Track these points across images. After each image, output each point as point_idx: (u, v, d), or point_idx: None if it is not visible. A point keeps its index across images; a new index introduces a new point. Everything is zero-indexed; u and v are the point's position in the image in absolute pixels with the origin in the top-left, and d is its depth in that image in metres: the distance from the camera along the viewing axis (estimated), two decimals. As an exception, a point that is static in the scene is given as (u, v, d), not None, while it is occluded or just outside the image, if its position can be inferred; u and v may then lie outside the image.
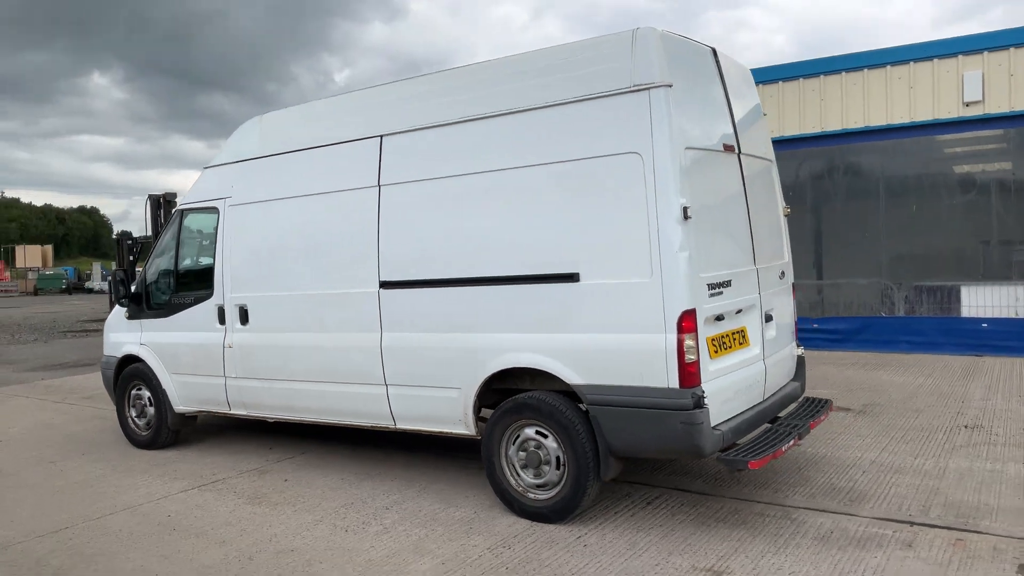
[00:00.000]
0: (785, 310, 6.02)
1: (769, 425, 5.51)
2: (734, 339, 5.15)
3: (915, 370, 10.05)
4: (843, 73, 11.88)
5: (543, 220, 5.10)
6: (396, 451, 7.04)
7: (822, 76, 12.10)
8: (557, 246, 5.04)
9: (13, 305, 37.69)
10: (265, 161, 6.77)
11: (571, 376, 4.99)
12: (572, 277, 4.96)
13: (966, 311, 11.18)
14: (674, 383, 4.61)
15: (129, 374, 7.86)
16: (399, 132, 5.82)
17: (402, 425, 5.97)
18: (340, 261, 6.17)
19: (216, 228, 7.06)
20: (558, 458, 5.10)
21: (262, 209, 6.73)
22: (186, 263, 7.51)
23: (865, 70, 11.73)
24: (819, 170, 12.58)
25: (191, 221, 7.47)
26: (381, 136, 5.93)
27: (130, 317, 7.84)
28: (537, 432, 5.18)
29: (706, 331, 4.80)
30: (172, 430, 7.66)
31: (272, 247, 6.69)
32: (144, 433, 7.80)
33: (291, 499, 5.98)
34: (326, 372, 6.28)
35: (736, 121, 5.47)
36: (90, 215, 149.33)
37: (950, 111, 11.08)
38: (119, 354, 7.96)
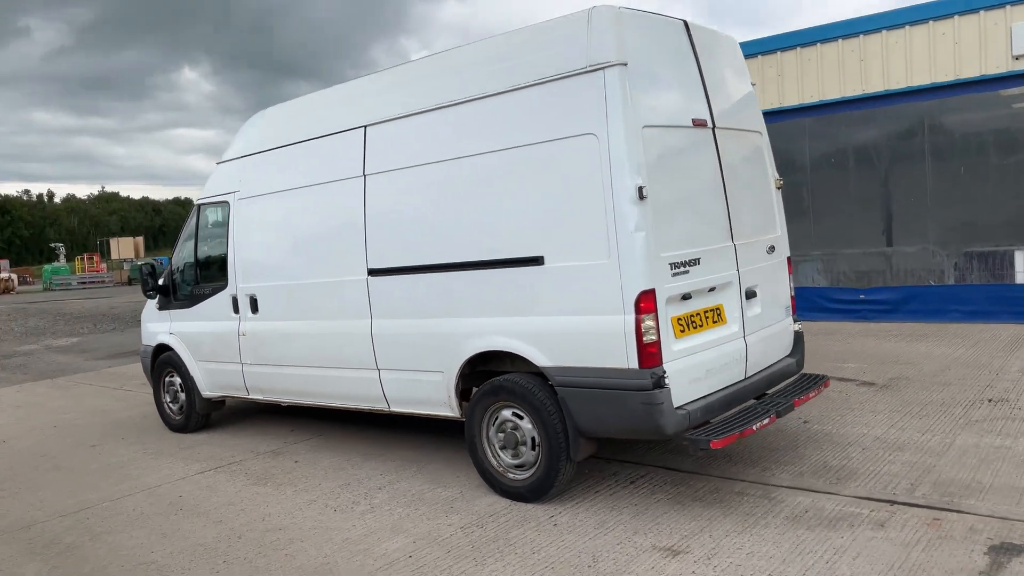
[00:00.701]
0: (776, 285, 5.87)
1: (755, 402, 5.43)
2: (706, 317, 5.08)
3: (958, 340, 9.61)
4: (883, 32, 11.32)
5: (509, 204, 5.14)
6: (404, 432, 7.23)
7: (862, 36, 11.55)
8: (523, 230, 5.07)
9: (104, 295, 39.80)
10: (266, 155, 7.00)
11: (540, 358, 5.03)
12: (537, 260, 4.99)
13: (1020, 277, 10.58)
14: (634, 364, 4.60)
15: (163, 362, 8.30)
16: (378, 122, 5.94)
17: (395, 408, 6.14)
18: (334, 250, 6.35)
19: (228, 222, 7.35)
20: (533, 439, 5.17)
21: (265, 202, 6.98)
22: (204, 256, 7.84)
23: (907, 27, 11.15)
24: (862, 134, 12.04)
25: (207, 215, 7.79)
26: (365, 126, 6.05)
27: (160, 308, 8.27)
28: (513, 414, 5.25)
29: (670, 311, 4.76)
30: (201, 414, 8.07)
31: (275, 238, 6.95)
32: (178, 418, 8.24)
33: (295, 480, 6.24)
34: (326, 358, 6.50)
35: (711, 95, 5.34)
36: (183, 206, 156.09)
37: (998, 66, 10.41)
38: (153, 343, 8.40)
